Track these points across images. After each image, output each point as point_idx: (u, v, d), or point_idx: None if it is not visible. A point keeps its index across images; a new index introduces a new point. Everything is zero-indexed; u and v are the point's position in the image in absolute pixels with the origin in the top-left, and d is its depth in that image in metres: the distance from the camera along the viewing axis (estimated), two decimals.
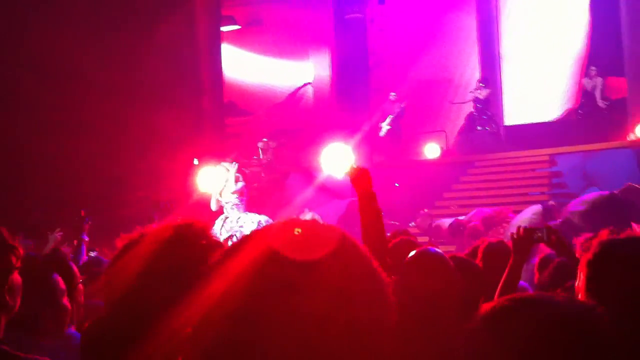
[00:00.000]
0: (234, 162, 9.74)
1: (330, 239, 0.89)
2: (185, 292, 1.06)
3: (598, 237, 2.06)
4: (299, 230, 0.91)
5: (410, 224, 11.45)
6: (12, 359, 1.84)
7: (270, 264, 0.85)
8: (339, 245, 0.89)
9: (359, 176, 3.21)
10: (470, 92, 16.16)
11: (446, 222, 11.60)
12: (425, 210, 12.73)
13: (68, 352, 2.62)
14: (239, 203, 9.49)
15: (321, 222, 0.96)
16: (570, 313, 1.12)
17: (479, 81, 16.11)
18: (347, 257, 0.88)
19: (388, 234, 6.14)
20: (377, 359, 0.87)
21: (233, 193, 9.43)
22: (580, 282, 1.94)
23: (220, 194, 9.55)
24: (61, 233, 5.52)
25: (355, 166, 3.29)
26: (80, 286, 3.20)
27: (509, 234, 9.26)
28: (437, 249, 2.97)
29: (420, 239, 7.68)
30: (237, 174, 9.53)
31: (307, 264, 0.85)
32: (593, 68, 15.32)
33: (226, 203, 9.51)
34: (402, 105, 16.05)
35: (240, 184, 9.56)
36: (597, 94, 15.09)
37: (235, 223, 9.31)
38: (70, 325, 2.93)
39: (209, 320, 0.85)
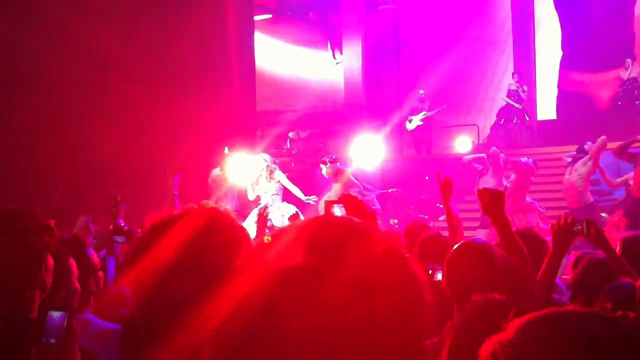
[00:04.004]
0: (266, 155, 9.88)
1: (356, 231, 0.90)
2: (216, 285, 1.05)
3: None
4: (330, 222, 0.92)
5: (439, 218, 11.36)
6: None
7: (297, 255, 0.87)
8: (366, 238, 0.89)
9: (492, 201, 3.07)
10: (516, 91, 15.60)
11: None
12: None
13: (83, 335, 2.64)
14: (277, 192, 9.53)
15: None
16: (615, 336, 1.03)
17: (519, 80, 15.64)
18: (374, 250, 0.88)
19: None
20: (402, 351, 0.86)
21: (277, 183, 9.51)
22: None
23: (257, 184, 9.58)
24: (86, 218, 5.57)
25: (487, 191, 3.13)
26: (100, 273, 3.22)
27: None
28: (482, 240, 2.90)
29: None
30: (274, 165, 9.64)
31: (332, 255, 0.85)
32: (628, 60, 15.00)
33: (265, 193, 9.57)
34: (438, 108, 15.80)
35: (280, 174, 9.64)
36: (634, 88, 14.77)
37: (276, 212, 9.30)
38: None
39: (235, 314, 0.86)
